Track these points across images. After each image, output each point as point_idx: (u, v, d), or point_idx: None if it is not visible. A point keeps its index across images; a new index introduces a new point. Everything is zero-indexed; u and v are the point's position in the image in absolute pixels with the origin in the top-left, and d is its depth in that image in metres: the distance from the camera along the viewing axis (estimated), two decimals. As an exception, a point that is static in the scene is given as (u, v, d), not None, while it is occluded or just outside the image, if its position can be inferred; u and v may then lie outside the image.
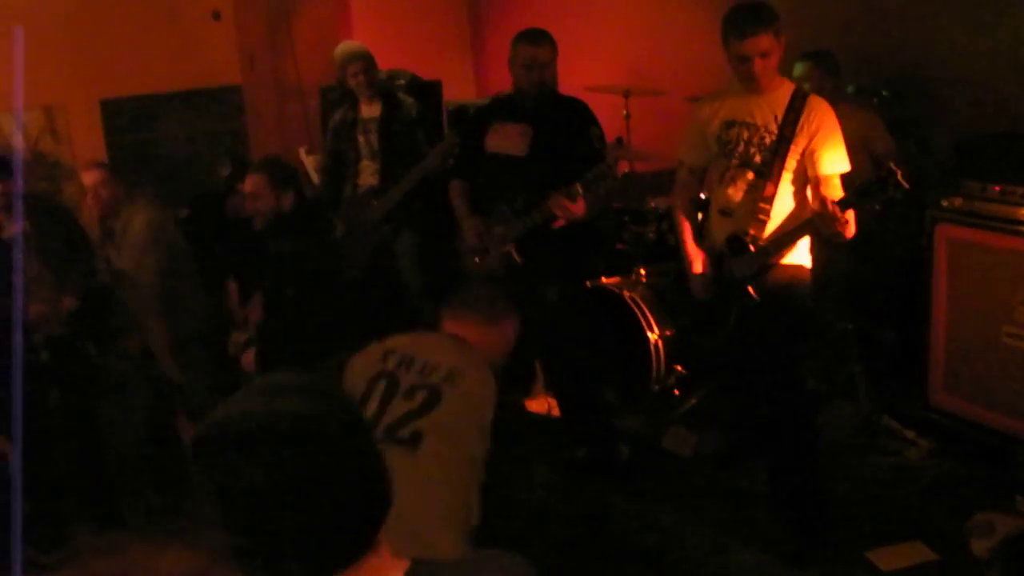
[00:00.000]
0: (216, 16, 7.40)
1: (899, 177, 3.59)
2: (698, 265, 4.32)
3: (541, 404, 5.69)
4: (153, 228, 5.34)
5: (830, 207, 3.72)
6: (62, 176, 6.89)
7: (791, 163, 4.00)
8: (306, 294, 4.78)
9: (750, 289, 4.07)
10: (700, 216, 4.59)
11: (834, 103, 4.15)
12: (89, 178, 5.22)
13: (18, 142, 6.54)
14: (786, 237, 4.02)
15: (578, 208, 4.54)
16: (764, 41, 3.88)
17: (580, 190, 4.51)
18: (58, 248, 4.96)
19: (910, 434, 4.95)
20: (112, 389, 5.72)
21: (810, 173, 3.99)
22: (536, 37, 4.83)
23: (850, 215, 3.80)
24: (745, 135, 4.09)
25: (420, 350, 3.11)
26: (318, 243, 4.99)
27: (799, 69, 5.17)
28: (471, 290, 3.49)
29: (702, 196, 4.63)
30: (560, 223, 4.68)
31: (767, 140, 4.02)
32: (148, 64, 7.09)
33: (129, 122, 7.11)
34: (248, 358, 5.01)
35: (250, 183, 4.85)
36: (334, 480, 1.44)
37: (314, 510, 1.43)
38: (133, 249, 5.23)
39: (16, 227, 4.85)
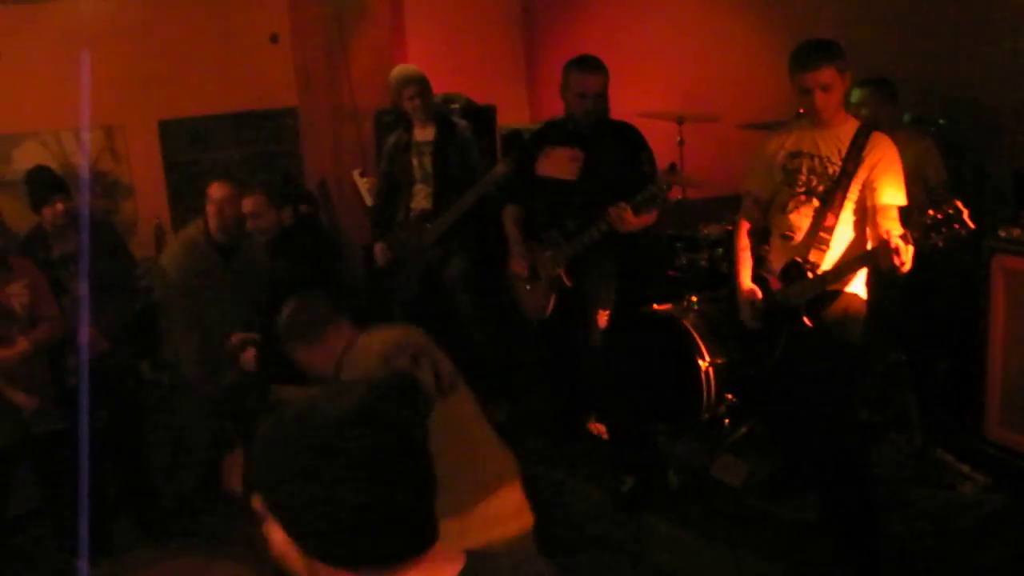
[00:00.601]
0: (274, 39, 7.49)
1: (965, 216, 3.55)
2: (746, 297, 4.30)
3: (596, 428, 5.69)
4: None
5: (893, 242, 3.68)
6: (120, 195, 6.98)
7: (853, 195, 4.01)
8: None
9: (804, 316, 4.04)
10: (765, 248, 4.55)
11: (891, 131, 4.16)
12: (220, 191, 5.17)
13: (82, 161, 6.65)
14: (845, 267, 4.01)
15: (633, 220, 4.57)
16: (826, 74, 3.94)
17: (630, 209, 4.53)
18: (104, 268, 5.00)
19: (965, 468, 4.86)
20: (160, 405, 5.80)
21: (868, 202, 3.99)
22: (589, 65, 4.85)
23: (910, 250, 3.77)
24: (809, 165, 4.12)
25: None
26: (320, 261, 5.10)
27: (857, 95, 5.14)
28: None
29: (771, 224, 4.60)
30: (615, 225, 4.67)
31: (830, 171, 4.04)
32: (206, 86, 7.19)
33: (186, 143, 7.21)
34: (249, 355, 5.01)
35: (249, 203, 4.96)
36: (410, 468, 1.47)
37: (391, 495, 1.44)
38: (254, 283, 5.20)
39: (82, 241, 4.91)
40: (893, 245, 3.68)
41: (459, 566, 1.52)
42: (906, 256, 3.72)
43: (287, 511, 1.48)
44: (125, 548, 5.12)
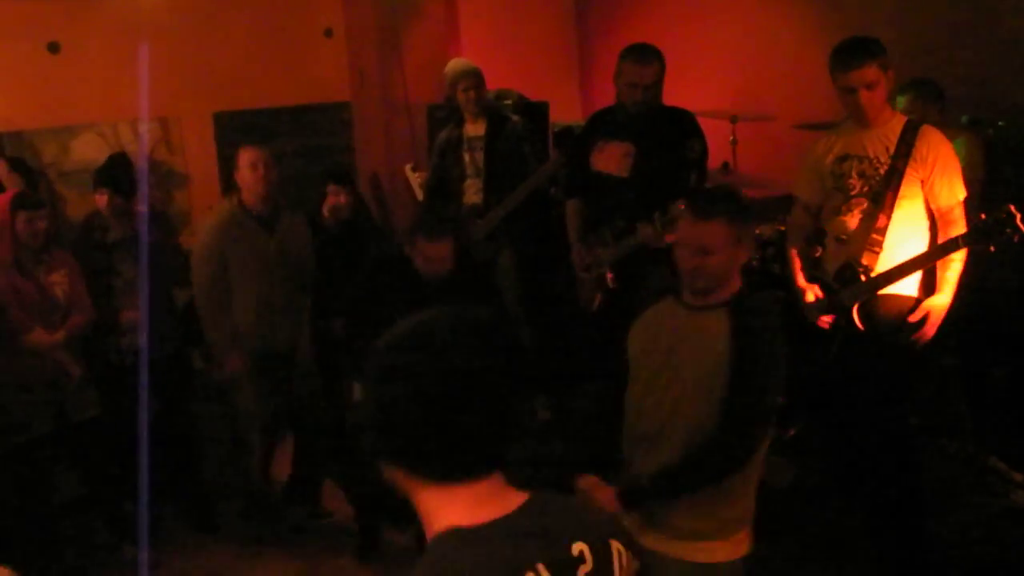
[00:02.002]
0: (328, 34, 7.52)
1: (1018, 221, 3.51)
2: (810, 296, 4.26)
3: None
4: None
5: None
6: (174, 185, 7.06)
7: (905, 193, 3.95)
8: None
9: (856, 319, 4.00)
10: (819, 250, 4.50)
11: (943, 131, 4.09)
12: (253, 155, 5.02)
13: (142, 151, 6.73)
14: (897, 271, 3.96)
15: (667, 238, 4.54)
16: (869, 73, 3.89)
17: (659, 220, 4.51)
18: (157, 257, 5.05)
19: (1018, 476, 4.79)
20: (212, 396, 5.85)
21: (932, 205, 3.95)
22: (643, 56, 4.81)
23: (960, 255, 3.77)
24: (858, 167, 4.08)
25: None
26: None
27: (901, 101, 5.08)
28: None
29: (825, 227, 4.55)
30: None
31: (880, 171, 3.99)
32: (260, 79, 7.24)
33: (240, 135, 7.25)
34: None
35: (438, 250, 4.41)
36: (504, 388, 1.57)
37: (485, 414, 1.55)
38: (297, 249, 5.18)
39: (140, 230, 4.97)
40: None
41: (525, 497, 1.61)
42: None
43: (390, 426, 1.57)
44: (171, 536, 5.18)
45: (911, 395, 4.68)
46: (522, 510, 1.59)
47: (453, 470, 1.57)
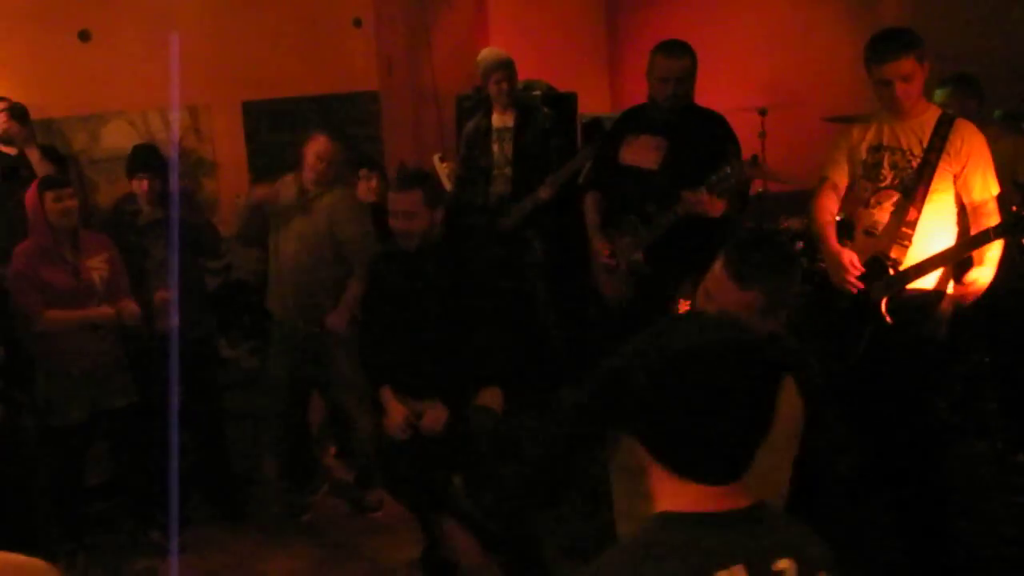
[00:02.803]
0: (357, 23, 7.52)
1: None
2: (846, 258, 4.15)
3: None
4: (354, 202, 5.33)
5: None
6: (203, 174, 7.08)
7: (937, 187, 3.92)
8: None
9: (884, 313, 3.97)
10: (846, 243, 4.46)
11: (979, 127, 4.04)
12: (325, 147, 5.10)
13: (172, 139, 6.75)
14: (927, 264, 3.92)
15: (709, 204, 4.51)
16: (905, 65, 3.84)
17: (705, 191, 4.48)
18: (187, 240, 5.08)
19: (1047, 474, 4.76)
20: (241, 384, 5.88)
21: (964, 200, 3.91)
22: (674, 50, 4.79)
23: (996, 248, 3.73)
24: (890, 159, 4.04)
25: None
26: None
27: (940, 95, 5.03)
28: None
29: (837, 217, 4.50)
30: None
31: (912, 164, 3.95)
32: (289, 68, 7.24)
33: (269, 124, 7.27)
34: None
35: (406, 200, 4.22)
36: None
37: (737, 430, 1.62)
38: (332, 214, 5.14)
39: (172, 217, 5.00)
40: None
41: (751, 502, 1.67)
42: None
43: (658, 426, 1.65)
44: (197, 522, 5.21)
45: (940, 391, 4.65)
46: (741, 512, 1.65)
47: (698, 473, 1.64)
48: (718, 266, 2.69)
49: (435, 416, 4.19)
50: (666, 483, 1.66)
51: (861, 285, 4.10)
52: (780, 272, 2.66)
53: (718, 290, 2.67)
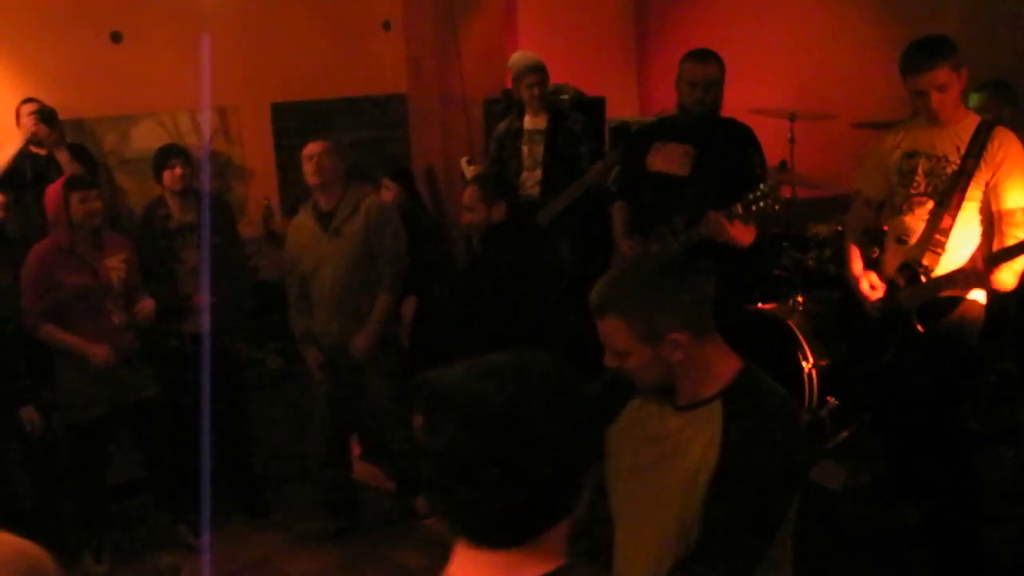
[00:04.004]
0: (386, 26, 7.54)
1: None
2: (865, 284, 4.17)
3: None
4: (382, 221, 5.10)
5: (978, 266, 3.71)
6: (232, 175, 7.11)
7: (972, 195, 3.89)
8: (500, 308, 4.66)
9: (916, 321, 3.94)
10: (876, 251, 4.43)
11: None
12: (312, 147, 5.00)
13: (204, 140, 6.78)
14: (960, 273, 3.89)
15: (737, 231, 4.45)
16: (941, 75, 3.81)
17: (740, 210, 4.43)
18: (218, 244, 5.11)
19: (1075, 485, 4.71)
20: (265, 385, 5.90)
21: (993, 207, 3.87)
22: (704, 56, 4.80)
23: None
24: (925, 166, 4.00)
25: None
26: (532, 258, 4.92)
27: (974, 100, 4.99)
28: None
29: (884, 228, 4.47)
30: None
31: (948, 171, 3.92)
32: (318, 70, 7.26)
33: (297, 125, 7.29)
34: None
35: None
36: (518, 470, 1.47)
37: (486, 488, 1.47)
38: (355, 239, 5.03)
39: (203, 216, 5.02)
40: (979, 268, 3.64)
41: (550, 568, 1.53)
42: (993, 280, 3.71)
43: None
44: (222, 520, 5.23)
45: (968, 399, 4.61)
46: None
47: (473, 538, 1.54)
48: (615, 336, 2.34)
49: None
50: (458, 544, 1.56)
51: (878, 305, 4.10)
52: (643, 300, 2.28)
53: (632, 362, 2.35)
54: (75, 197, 4.65)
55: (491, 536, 1.52)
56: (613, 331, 2.30)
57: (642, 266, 2.49)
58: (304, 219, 5.14)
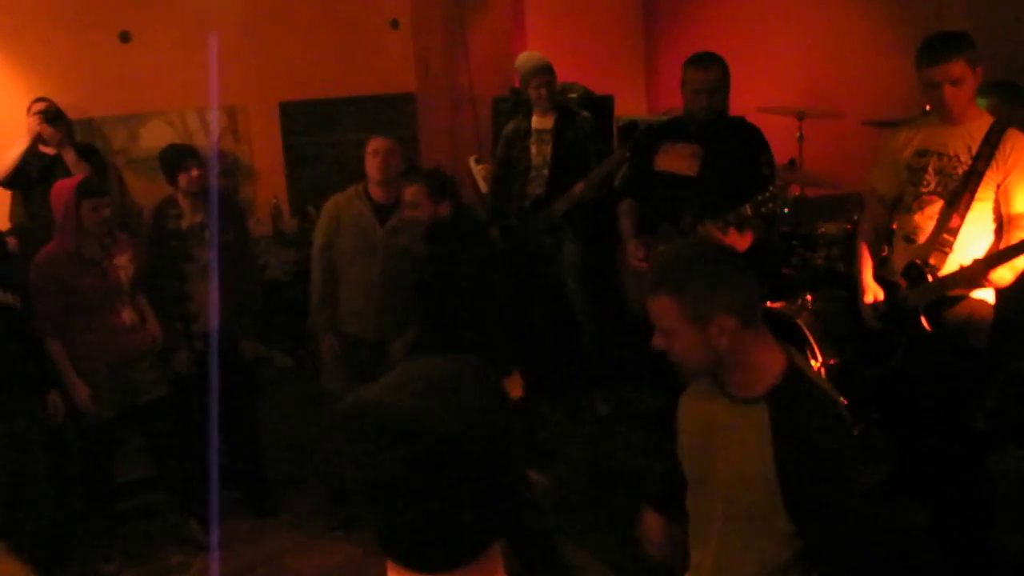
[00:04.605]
0: (394, 25, 7.55)
1: None
2: (869, 296, 4.20)
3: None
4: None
5: (974, 268, 3.74)
6: (241, 174, 7.12)
7: (982, 195, 3.87)
8: (461, 300, 4.79)
9: (923, 320, 3.93)
10: (886, 249, 4.42)
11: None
12: (378, 143, 5.15)
13: (212, 139, 6.79)
14: (967, 272, 3.88)
15: (731, 241, 4.47)
16: (955, 68, 3.80)
17: (749, 211, 4.43)
18: (229, 243, 5.12)
19: (1086, 485, 4.69)
20: (273, 383, 5.90)
21: (1002, 210, 3.86)
22: (706, 62, 4.80)
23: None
24: (936, 164, 3.99)
25: None
26: (476, 251, 4.97)
27: (982, 103, 4.98)
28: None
29: (894, 227, 4.46)
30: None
31: (959, 171, 3.91)
32: (326, 70, 7.28)
33: (305, 125, 7.31)
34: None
35: (409, 192, 4.83)
36: (453, 490, 1.41)
37: (424, 510, 1.41)
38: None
39: (212, 214, 5.02)
40: (972, 271, 3.72)
41: None
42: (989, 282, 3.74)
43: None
44: (231, 518, 5.23)
45: (978, 399, 4.60)
46: None
47: (401, 560, 1.48)
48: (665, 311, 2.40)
49: None
50: (391, 569, 1.51)
51: (878, 325, 4.14)
52: (695, 280, 2.34)
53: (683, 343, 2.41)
54: (87, 205, 4.64)
55: (430, 560, 1.46)
56: (664, 309, 2.35)
57: (700, 248, 2.57)
58: (356, 204, 5.20)
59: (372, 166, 5.12)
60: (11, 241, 5.13)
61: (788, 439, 2.32)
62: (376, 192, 5.17)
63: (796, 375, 2.39)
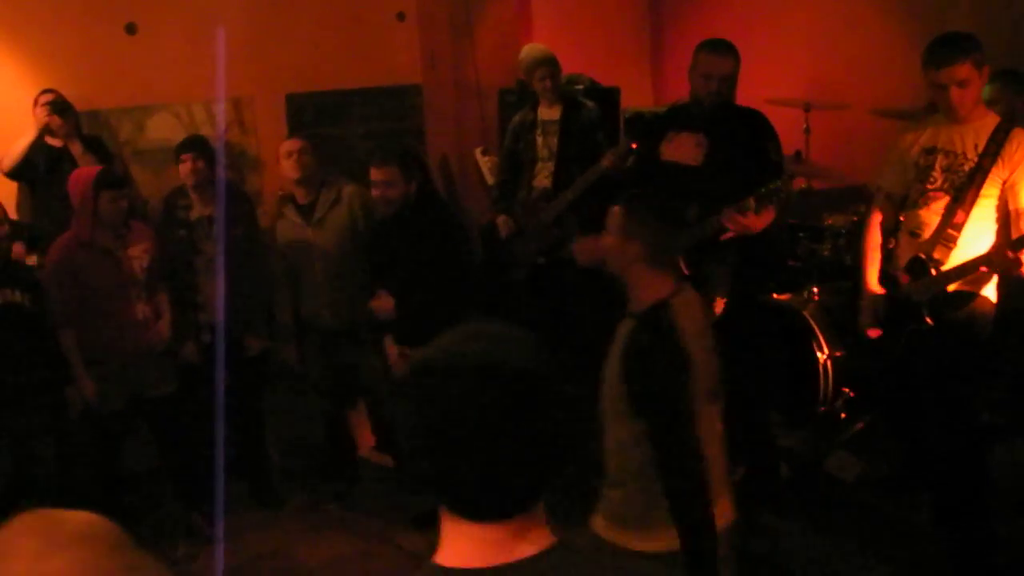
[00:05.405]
0: (401, 17, 7.54)
1: None
2: (870, 298, 4.20)
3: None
4: (366, 208, 5.32)
5: (1006, 253, 3.63)
6: (247, 166, 7.12)
7: (988, 192, 3.90)
8: (432, 274, 4.90)
9: (926, 314, 3.93)
10: (892, 242, 4.42)
11: None
12: (291, 144, 5.32)
13: (218, 131, 6.79)
14: (968, 266, 3.88)
15: (751, 222, 4.45)
16: (962, 70, 3.83)
17: (753, 204, 4.42)
18: (238, 236, 5.12)
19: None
20: (280, 377, 5.91)
21: (1011, 206, 3.88)
22: (719, 48, 4.77)
23: None
24: (943, 161, 4.01)
25: None
26: (446, 228, 5.12)
27: (987, 92, 4.96)
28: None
29: (901, 219, 4.46)
30: (730, 235, 4.60)
31: (965, 168, 3.93)
32: (333, 61, 7.27)
33: (312, 117, 7.30)
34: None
35: (384, 173, 4.91)
36: (522, 432, 1.45)
37: (492, 453, 1.44)
38: (340, 227, 5.31)
39: (219, 206, 5.04)
40: (1006, 255, 3.62)
41: (540, 548, 1.50)
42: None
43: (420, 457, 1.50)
44: (236, 511, 5.25)
45: (981, 392, 4.60)
46: (528, 562, 1.48)
47: (463, 510, 1.49)
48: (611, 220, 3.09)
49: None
50: (445, 525, 1.51)
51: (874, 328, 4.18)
52: (659, 225, 3.05)
53: (609, 242, 3.08)
54: (106, 196, 4.66)
55: (488, 507, 1.48)
56: (616, 216, 3.07)
57: (660, 198, 3.26)
58: (287, 213, 5.41)
59: (286, 167, 5.29)
60: (17, 249, 5.12)
61: (630, 354, 2.88)
62: (298, 193, 5.35)
63: (663, 308, 2.94)
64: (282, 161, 5.30)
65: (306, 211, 5.31)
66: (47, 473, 4.79)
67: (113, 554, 1.44)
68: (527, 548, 1.49)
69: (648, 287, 3.00)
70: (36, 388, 4.61)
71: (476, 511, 1.49)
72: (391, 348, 5.08)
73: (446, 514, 1.51)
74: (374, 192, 4.96)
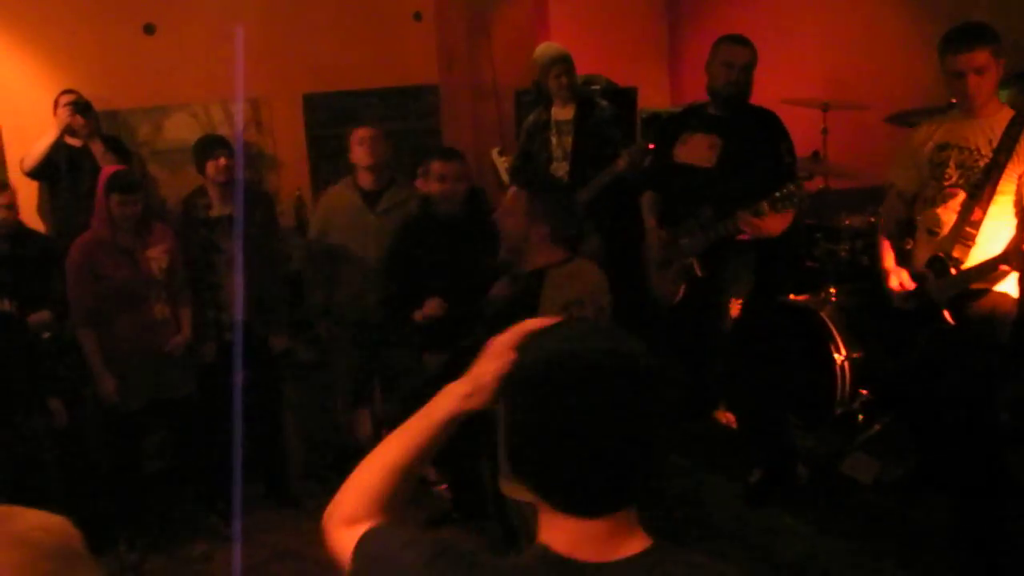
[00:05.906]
0: (417, 17, 7.55)
1: None
2: (895, 280, 4.17)
3: (725, 417, 5.63)
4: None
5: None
6: (265, 166, 7.14)
7: (1004, 188, 3.86)
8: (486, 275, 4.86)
9: (946, 313, 3.91)
10: (909, 242, 4.40)
11: None
12: (364, 132, 5.38)
13: (236, 132, 6.81)
14: (988, 265, 3.86)
15: (767, 225, 4.45)
16: (980, 57, 3.79)
17: (767, 208, 4.42)
18: (257, 235, 5.13)
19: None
20: (299, 375, 5.92)
21: None
22: (738, 38, 4.84)
23: None
24: (958, 158, 3.98)
25: None
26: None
27: (1003, 95, 4.94)
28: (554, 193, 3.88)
29: (917, 218, 4.45)
30: (745, 236, 4.60)
31: (980, 164, 3.90)
32: (349, 62, 7.29)
33: (329, 117, 7.33)
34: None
35: (451, 167, 4.90)
36: (638, 428, 1.47)
37: (606, 449, 1.45)
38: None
39: (238, 205, 5.05)
40: None
41: (641, 547, 1.51)
42: None
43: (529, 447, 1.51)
44: (253, 510, 5.25)
45: (1001, 393, 4.57)
46: (628, 562, 1.49)
47: (569, 504, 1.50)
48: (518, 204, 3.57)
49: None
50: (546, 518, 1.53)
51: (906, 298, 4.11)
52: (561, 210, 3.57)
53: (513, 221, 3.56)
54: (115, 199, 4.66)
55: (593, 502, 1.49)
56: (521, 201, 3.55)
57: (569, 196, 4.01)
58: (345, 194, 5.41)
59: (359, 152, 5.33)
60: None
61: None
62: (364, 179, 5.36)
63: (538, 275, 3.48)
64: (354, 148, 5.34)
65: (371, 198, 5.35)
66: (46, 478, 4.82)
67: (52, 559, 1.44)
68: (633, 544, 1.51)
69: (540, 254, 3.50)
70: (24, 399, 4.65)
71: (588, 505, 1.49)
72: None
73: (547, 510, 1.52)
74: (437, 187, 4.88)
